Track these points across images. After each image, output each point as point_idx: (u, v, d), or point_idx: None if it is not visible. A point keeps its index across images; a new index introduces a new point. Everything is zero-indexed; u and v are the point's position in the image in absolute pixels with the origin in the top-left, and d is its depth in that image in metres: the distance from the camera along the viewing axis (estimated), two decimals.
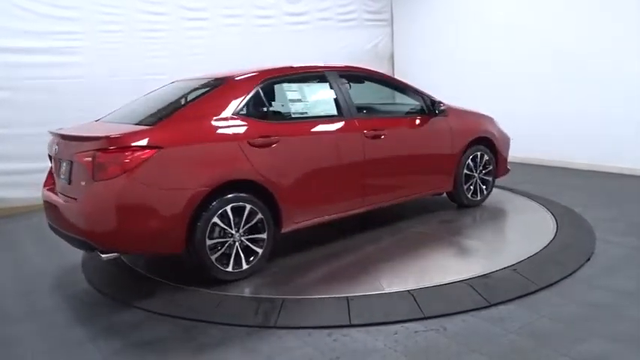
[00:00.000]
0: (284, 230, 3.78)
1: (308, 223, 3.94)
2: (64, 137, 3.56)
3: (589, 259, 3.68)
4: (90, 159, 3.15)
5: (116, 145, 3.14)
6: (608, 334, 2.66)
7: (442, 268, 3.67)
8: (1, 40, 5.96)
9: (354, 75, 4.60)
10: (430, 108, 4.65)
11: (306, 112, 4.10)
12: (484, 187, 5.12)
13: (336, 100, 4.14)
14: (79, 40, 6.42)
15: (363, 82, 4.77)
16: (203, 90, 3.84)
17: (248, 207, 3.49)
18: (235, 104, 3.61)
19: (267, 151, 3.61)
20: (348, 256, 3.98)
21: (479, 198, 5.11)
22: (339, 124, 4.09)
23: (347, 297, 3.17)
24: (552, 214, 4.71)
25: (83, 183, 3.22)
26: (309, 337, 2.80)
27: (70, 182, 3.41)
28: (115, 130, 3.34)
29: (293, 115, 4.03)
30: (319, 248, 4.14)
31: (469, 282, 3.30)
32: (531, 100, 7.23)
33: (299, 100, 4.09)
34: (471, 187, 5.02)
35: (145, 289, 3.56)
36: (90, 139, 3.32)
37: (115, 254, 3.25)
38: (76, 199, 3.30)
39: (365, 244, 4.22)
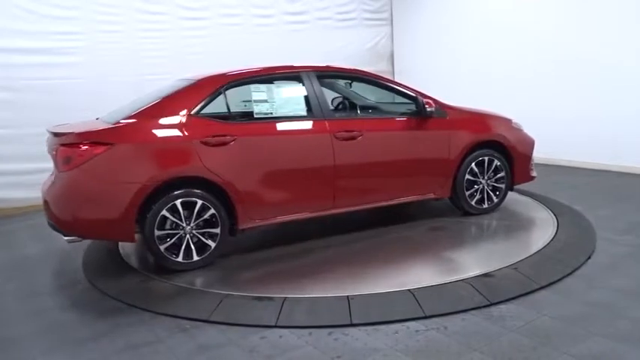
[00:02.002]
0: (242, 227, 3.89)
1: (270, 221, 4.01)
2: (51, 133, 3.84)
3: (590, 258, 3.68)
4: (55, 152, 3.61)
5: (75, 140, 3.55)
6: (608, 333, 2.66)
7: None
8: (2, 41, 5.95)
9: (334, 75, 4.52)
10: (422, 109, 4.40)
11: (270, 113, 4.03)
12: (495, 194, 4.79)
13: (306, 101, 4.10)
14: (78, 41, 6.41)
15: (344, 82, 4.68)
16: (175, 90, 3.97)
17: (199, 202, 3.68)
18: (194, 104, 3.80)
19: (221, 151, 3.73)
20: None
21: (486, 206, 4.75)
22: (306, 126, 4.07)
23: (347, 296, 3.18)
24: (553, 213, 4.71)
25: (53, 174, 3.74)
26: (310, 337, 2.80)
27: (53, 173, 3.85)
28: (84, 128, 3.73)
29: (256, 116, 3.98)
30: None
31: (470, 281, 3.31)
32: (531, 98, 7.23)
33: (265, 101, 4.03)
34: (476, 194, 4.70)
35: (146, 289, 3.57)
36: (60, 135, 3.68)
37: (76, 238, 3.62)
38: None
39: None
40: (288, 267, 3.81)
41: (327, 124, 4.08)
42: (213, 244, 3.77)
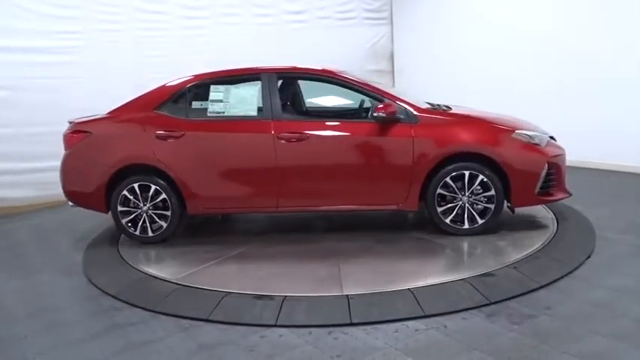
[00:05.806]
0: (191, 213, 4.36)
1: (217, 210, 4.58)
2: (69, 122, 4.60)
3: (589, 257, 3.68)
4: (63, 137, 4.49)
5: (72, 129, 4.46)
6: (608, 332, 2.66)
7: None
8: (2, 40, 5.96)
9: (297, 76, 4.63)
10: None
11: (223, 113, 4.26)
12: (480, 215, 4.12)
13: (259, 102, 4.24)
14: (79, 40, 6.42)
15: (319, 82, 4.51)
16: (152, 89, 4.48)
17: (153, 187, 4.26)
18: (158, 102, 4.35)
19: (170, 144, 4.23)
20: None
21: (466, 227, 4.12)
22: (251, 126, 4.23)
23: (347, 295, 3.18)
24: (552, 212, 4.71)
25: None
26: (310, 336, 2.80)
27: None
28: (83, 120, 4.49)
29: (209, 114, 4.27)
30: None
31: (469, 280, 3.31)
32: (531, 97, 7.21)
33: (219, 101, 4.28)
34: (451, 213, 4.13)
35: (146, 287, 3.57)
36: (69, 123, 4.52)
37: (73, 204, 4.52)
38: None
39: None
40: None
41: (272, 126, 4.13)
42: (164, 224, 4.32)
